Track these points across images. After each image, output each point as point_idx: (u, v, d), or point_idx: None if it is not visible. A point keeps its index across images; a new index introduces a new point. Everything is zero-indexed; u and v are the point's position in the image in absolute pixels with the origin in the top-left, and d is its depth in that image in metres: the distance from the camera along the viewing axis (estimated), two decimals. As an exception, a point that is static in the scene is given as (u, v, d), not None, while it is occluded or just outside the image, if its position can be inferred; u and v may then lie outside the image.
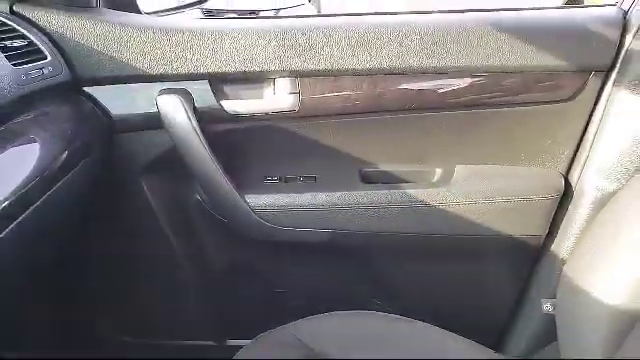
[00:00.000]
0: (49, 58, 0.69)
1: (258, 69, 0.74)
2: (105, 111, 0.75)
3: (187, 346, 0.96)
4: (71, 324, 0.97)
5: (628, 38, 0.73)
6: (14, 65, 0.62)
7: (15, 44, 0.65)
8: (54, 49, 0.70)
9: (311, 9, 2.38)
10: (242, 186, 0.80)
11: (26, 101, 0.64)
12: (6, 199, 0.53)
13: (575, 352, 0.64)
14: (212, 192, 0.80)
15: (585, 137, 0.80)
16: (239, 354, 0.70)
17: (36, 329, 0.89)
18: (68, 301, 0.94)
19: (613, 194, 0.74)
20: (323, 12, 2.87)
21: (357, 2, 3.48)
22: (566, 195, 0.81)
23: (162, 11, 0.92)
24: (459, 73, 0.75)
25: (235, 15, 1.60)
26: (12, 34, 0.66)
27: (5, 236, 0.52)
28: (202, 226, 0.87)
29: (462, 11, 0.76)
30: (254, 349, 0.71)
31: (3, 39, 0.64)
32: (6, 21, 0.66)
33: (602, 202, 0.76)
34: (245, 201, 0.80)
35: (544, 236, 0.83)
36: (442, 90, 0.76)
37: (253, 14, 1.70)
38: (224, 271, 0.91)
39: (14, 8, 0.68)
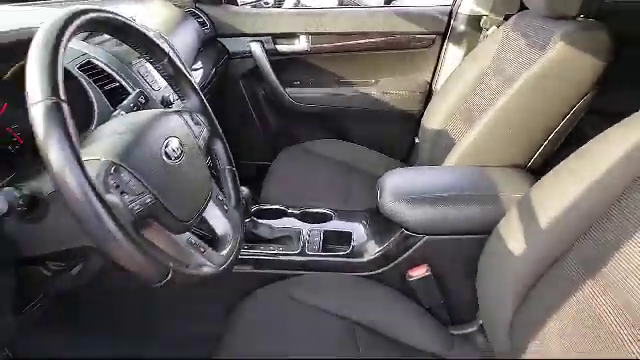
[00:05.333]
0: (207, 25, 1.67)
1: (293, 31, 1.72)
2: (227, 49, 1.74)
3: (245, 164, 1.96)
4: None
5: (452, 20, 1.69)
6: (200, 26, 1.61)
7: (198, 20, 1.63)
8: (209, 21, 1.68)
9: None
10: (283, 84, 1.79)
11: (201, 42, 1.61)
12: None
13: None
14: (269, 86, 1.79)
15: (438, 64, 1.76)
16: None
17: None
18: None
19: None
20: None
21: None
22: (430, 92, 1.78)
23: (248, 4, 1.90)
24: (376, 34, 1.72)
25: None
26: (195, 15, 1.64)
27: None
28: (264, 103, 1.87)
29: (377, 6, 1.73)
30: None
31: (194, 16, 1.62)
32: (194, 10, 1.64)
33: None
34: (285, 91, 1.79)
35: (418, 112, 1.80)
36: (368, 41, 1.73)
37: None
38: (275, 127, 1.91)
39: (196, 5, 1.66)
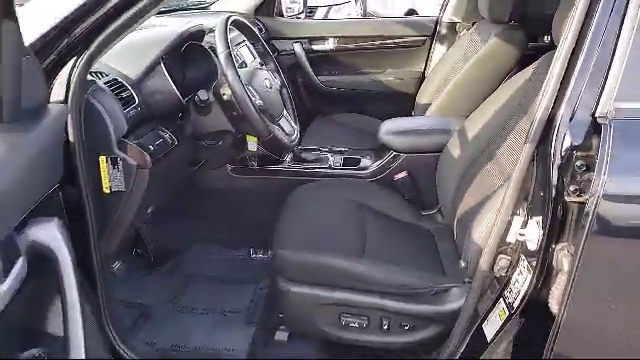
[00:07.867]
0: (264, 30, 2.37)
1: (323, 35, 2.42)
2: (276, 48, 2.43)
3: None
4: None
5: (438, 26, 2.35)
6: (258, 31, 2.31)
7: (257, 27, 2.34)
8: (264, 28, 2.38)
9: (354, 6, 3.99)
10: (316, 73, 2.47)
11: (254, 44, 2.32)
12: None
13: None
14: (306, 74, 2.47)
15: (428, 58, 2.42)
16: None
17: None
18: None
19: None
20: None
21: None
22: (423, 78, 2.43)
23: (291, 16, 2.61)
24: (384, 37, 2.39)
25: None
26: (255, 23, 2.34)
27: None
28: (302, 87, 2.55)
29: (384, 17, 2.41)
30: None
31: (254, 25, 2.32)
32: (255, 19, 2.35)
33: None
34: (318, 79, 2.47)
35: (413, 93, 2.44)
36: (378, 42, 2.41)
37: (313, 10, 3.41)
38: (309, 104, 2.59)
39: (256, 17, 2.38)
